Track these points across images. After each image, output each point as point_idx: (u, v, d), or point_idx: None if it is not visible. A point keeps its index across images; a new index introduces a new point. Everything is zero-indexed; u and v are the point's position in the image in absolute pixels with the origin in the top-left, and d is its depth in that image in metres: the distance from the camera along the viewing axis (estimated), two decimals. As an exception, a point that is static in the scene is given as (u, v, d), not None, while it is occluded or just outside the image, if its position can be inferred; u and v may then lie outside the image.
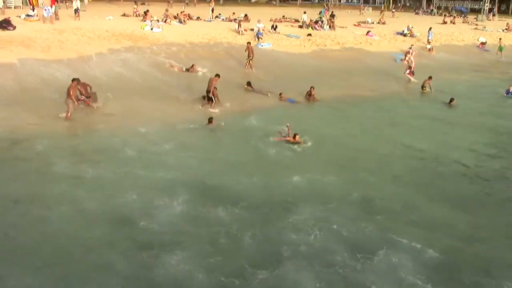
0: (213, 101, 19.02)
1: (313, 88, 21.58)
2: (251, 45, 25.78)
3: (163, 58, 23.62)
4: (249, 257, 9.30)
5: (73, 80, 16.75)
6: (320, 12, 42.03)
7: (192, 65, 22.67)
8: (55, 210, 10.55)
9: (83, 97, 17.67)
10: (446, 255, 9.51)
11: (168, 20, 32.29)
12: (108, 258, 8.99)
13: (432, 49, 35.11)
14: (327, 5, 52.25)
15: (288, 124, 15.64)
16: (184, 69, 22.92)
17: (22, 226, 9.91)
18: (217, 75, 19.45)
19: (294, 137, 15.11)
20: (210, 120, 16.75)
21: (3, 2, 31.23)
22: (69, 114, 16.43)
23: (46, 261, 8.82)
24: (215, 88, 19.08)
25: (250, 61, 25.06)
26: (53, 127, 15.75)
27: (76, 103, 16.65)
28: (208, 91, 19.05)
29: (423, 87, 24.83)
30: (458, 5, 73.26)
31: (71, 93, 16.33)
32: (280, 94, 21.33)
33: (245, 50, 25.12)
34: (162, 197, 11.23)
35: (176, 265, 8.87)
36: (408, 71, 27.09)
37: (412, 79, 26.77)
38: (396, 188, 12.77)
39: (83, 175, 12.35)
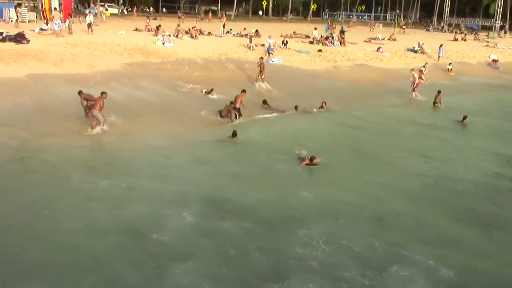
0: (236, 116, 19.28)
1: (325, 103, 22.27)
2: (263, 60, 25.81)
3: (183, 83, 23.58)
4: (256, 270, 9.25)
5: (102, 93, 16.88)
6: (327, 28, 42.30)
7: (212, 89, 22.48)
8: (66, 221, 10.57)
9: (90, 103, 17.69)
10: (458, 273, 9.35)
11: (180, 35, 32.57)
12: (118, 269, 8.96)
13: (451, 70, 34.33)
14: (331, 21, 52.34)
15: (306, 152, 15.07)
16: (204, 91, 22.76)
17: (33, 237, 9.89)
18: (244, 91, 19.82)
19: (311, 160, 14.55)
20: (234, 134, 16.66)
21: (17, 16, 31.72)
22: (94, 124, 16.56)
23: (56, 272, 8.78)
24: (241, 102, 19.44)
25: (262, 76, 24.92)
26: (67, 140, 15.84)
27: (103, 118, 16.72)
28: (234, 107, 19.33)
29: (434, 102, 24.85)
30: (469, 22, 73.35)
31: (99, 104, 16.45)
32: (295, 106, 21.64)
33: (258, 66, 25.05)
34: (173, 210, 11.21)
35: (184, 276, 8.81)
36: (414, 88, 26.51)
37: (418, 96, 26.50)
38: (408, 204, 12.58)
39: (95, 187, 12.38)
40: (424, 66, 31.13)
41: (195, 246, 9.87)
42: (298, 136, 17.88)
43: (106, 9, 48.33)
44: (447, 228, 11.37)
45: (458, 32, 57.47)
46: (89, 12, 34.07)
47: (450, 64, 34.66)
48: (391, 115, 22.74)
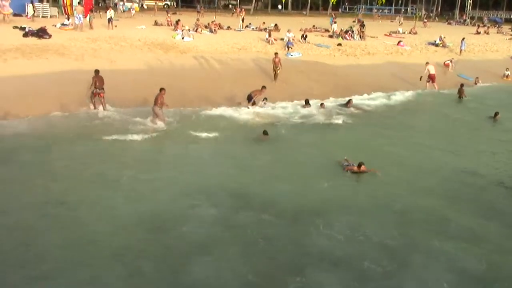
0: (254, 103, 20.12)
1: (351, 100, 22.05)
2: (279, 56, 25.31)
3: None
4: (279, 261, 9.35)
5: (161, 89, 17.11)
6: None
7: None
8: (87, 212, 10.81)
9: (97, 90, 18.35)
10: (482, 267, 9.34)
11: (199, 30, 32.64)
12: (138, 261, 9.06)
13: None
14: (334, 13, 51.84)
15: (346, 158, 14.33)
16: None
17: (54, 228, 10.09)
18: (264, 87, 20.38)
19: (360, 166, 13.62)
20: (265, 133, 16.43)
21: (33, 11, 32.09)
22: (157, 120, 16.98)
23: (74, 263, 8.91)
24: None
25: (277, 72, 24.52)
26: (90, 131, 16.19)
27: (163, 118, 17.14)
28: (249, 97, 20.10)
29: (460, 96, 25.20)
30: (492, 15, 72.02)
31: (159, 101, 16.83)
32: (321, 104, 21.37)
33: (272, 62, 24.69)
34: (196, 202, 11.37)
35: (205, 269, 8.92)
36: (428, 80, 26.91)
37: (435, 88, 26.83)
38: (433, 200, 12.41)
39: (119, 179, 12.55)
40: (451, 61, 31.63)
41: (217, 239, 9.96)
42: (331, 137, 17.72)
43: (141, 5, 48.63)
44: (470, 223, 11.19)
45: (480, 25, 56.46)
46: (110, 7, 34.40)
47: (507, 69, 32.20)
48: (420, 110, 22.85)
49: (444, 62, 32.06)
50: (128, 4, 43.79)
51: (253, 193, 12.15)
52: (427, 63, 27.44)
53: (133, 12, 41.59)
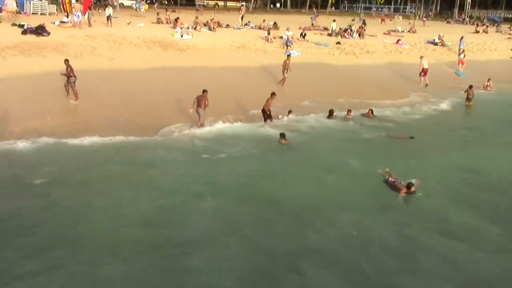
0: (271, 118, 18.07)
1: (371, 111, 20.06)
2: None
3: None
4: (285, 257, 9.44)
5: (204, 91, 17.01)
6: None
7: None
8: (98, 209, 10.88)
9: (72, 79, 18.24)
10: (482, 267, 9.43)
11: (198, 28, 32.60)
12: (142, 258, 9.09)
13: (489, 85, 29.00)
14: (316, 11, 51.90)
15: (387, 169, 13.29)
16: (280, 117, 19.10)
17: (64, 223, 10.21)
18: (274, 93, 18.28)
19: (409, 187, 12.18)
20: (282, 136, 15.79)
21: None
22: (200, 123, 16.93)
23: (80, 259, 8.96)
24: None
25: (285, 74, 23.41)
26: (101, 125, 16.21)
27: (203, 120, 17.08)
28: (263, 111, 18.05)
29: (468, 99, 23.63)
30: (491, 14, 72.06)
31: (203, 103, 16.80)
32: (348, 111, 19.63)
33: (284, 64, 23.35)
34: (205, 201, 11.48)
35: (207, 263, 9.04)
36: (422, 74, 27.10)
37: (427, 81, 26.96)
38: (451, 204, 12.19)
39: (132, 177, 12.59)
40: (463, 56, 32.08)
41: (222, 236, 10.03)
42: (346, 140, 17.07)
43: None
44: (484, 228, 11.05)
45: (479, 24, 56.46)
46: (109, 5, 34.37)
47: (489, 80, 28.57)
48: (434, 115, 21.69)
49: (459, 60, 32.08)
50: (139, 4, 43.56)
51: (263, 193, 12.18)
52: (421, 57, 27.78)
53: (143, 10, 41.54)
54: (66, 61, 18.46)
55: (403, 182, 12.40)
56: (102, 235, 9.75)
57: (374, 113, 20.07)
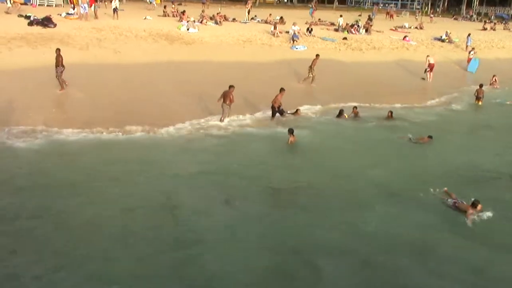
0: (281, 113, 17.86)
1: (391, 113, 19.03)
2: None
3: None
4: (306, 250, 9.49)
5: (230, 86, 16.84)
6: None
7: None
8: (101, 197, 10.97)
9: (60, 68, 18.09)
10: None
11: (204, 21, 32.53)
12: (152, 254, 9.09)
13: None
14: (314, 5, 51.56)
15: (446, 189, 12.18)
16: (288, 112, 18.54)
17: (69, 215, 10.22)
18: (283, 89, 17.85)
19: (475, 206, 11.00)
20: (290, 131, 15.31)
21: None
22: (223, 118, 16.88)
23: (86, 254, 8.95)
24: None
25: (312, 74, 22.77)
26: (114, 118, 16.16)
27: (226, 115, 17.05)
28: (273, 107, 17.72)
29: (478, 98, 23.04)
30: (499, 11, 71.55)
31: (230, 98, 16.71)
32: (354, 108, 19.08)
33: (312, 64, 22.73)
34: (220, 196, 11.49)
35: (223, 263, 9.00)
36: (428, 70, 26.88)
37: (429, 79, 26.78)
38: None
39: (148, 174, 12.51)
40: (474, 52, 31.85)
41: (239, 231, 10.05)
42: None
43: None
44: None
45: (487, 21, 56.09)
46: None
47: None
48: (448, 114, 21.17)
49: (469, 58, 31.72)
50: None
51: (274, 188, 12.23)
52: (428, 56, 27.60)
53: (155, 5, 41.28)
54: (58, 50, 18.29)
55: (464, 202, 11.31)
56: (112, 226, 9.82)
57: (393, 115, 18.96)
